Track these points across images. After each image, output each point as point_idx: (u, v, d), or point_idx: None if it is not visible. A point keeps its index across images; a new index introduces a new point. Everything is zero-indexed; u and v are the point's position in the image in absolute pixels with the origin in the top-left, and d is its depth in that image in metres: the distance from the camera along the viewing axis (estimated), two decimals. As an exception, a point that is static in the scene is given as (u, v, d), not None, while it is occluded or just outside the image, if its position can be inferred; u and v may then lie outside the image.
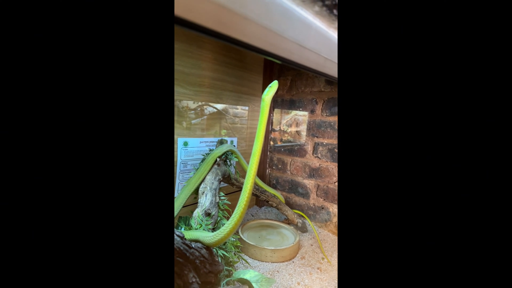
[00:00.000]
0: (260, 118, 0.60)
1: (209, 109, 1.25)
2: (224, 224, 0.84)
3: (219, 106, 1.31)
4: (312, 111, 1.38)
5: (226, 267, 0.63)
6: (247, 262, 0.77)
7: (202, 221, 0.76)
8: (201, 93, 1.18)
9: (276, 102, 1.53)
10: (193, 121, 1.20)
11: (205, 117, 1.24)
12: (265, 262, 1.09)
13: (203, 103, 1.22)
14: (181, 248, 0.48)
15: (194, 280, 0.49)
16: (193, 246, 0.52)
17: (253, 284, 0.56)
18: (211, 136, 1.25)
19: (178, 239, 0.49)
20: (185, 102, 1.15)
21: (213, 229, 0.79)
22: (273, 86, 0.58)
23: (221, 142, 1.05)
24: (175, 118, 1.12)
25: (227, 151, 1.00)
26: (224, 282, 0.56)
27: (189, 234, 0.62)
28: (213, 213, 0.80)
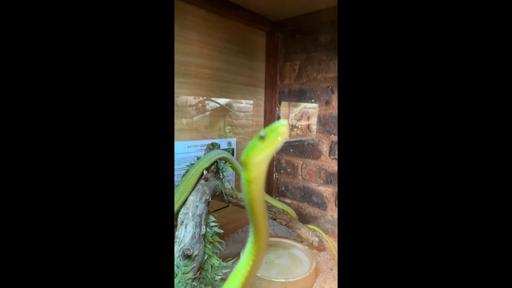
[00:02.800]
0: (247, 196, 0.35)
1: (211, 104, 1.04)
2: (213, 265, 0.60)
3: (222, 101, 1.07)
4: (327, 103, 1.12)
5: None
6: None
7: (179, 267, 0.52)
8: (188, 85, 0.93)
9: (283, 94, 1.27)
10: (195, 118, 0.97)
11: (207, 113, 1.02)
12: (274, 299, 0.85)
13: (204, 98, 0.99)
14: None
15: None
16: None
17: None
18: (214, 134, 1.02)
19: None
20: (184, 97, 0.93)
21: (196, 278, 0.55)
22: (273, 131, 0.31)
23: (211, 147, 0.81)
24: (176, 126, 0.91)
25: (219, 160, 0.76)
26: None
27: None
28: (196, 253, 0.56)
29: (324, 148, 1.14)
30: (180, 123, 0.94)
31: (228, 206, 0.84)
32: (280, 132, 0.31)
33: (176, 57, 0.89)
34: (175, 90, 0.90)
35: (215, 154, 0.74)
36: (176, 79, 0.89)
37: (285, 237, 1.11)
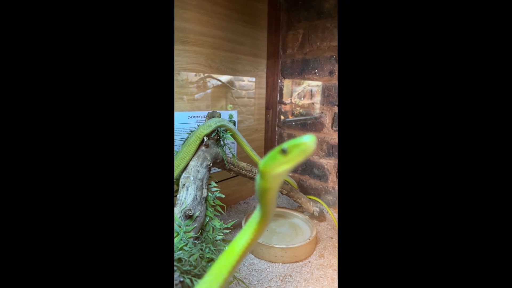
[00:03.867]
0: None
1: (212, 82, 1.02)
2: (215, 227, 0.62)
3: (224, 78, 1.05)
4: (330, 73, 1.09)
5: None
6: (244, 284, 0.56)
7: (180, 227, 0.54)
8: (187, 53, 0.91)
9: (285, 65, 1.23)
10: (196, 96, 0.96)
11: (208, 91, 1.00)
12: (275, 263, 0.88)
13: (205, 75, 0.97)
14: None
15: None
16: None
17: None
18: (207, 110, 1.00)
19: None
20: (184, 73, 0.91)
21: (198, 237, 0.56)
22: (297, 147, 0.27)
23: (212, 116, 0.80)
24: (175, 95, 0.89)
25: (219, 127, 0.75)
26: None
27: None
28: (197, 213, 0.57)
29: (327, 120, 1.12)
30: (181, 100, 0.93)
31: (232, 176, 0.85)
32: (304, 150, 0.27)
33: (178, 23, 0.86)
34: (174, 58, 0.87)
35: (215, 121, 0.74)
36: (175, 46, 0.87)
37: (286, 208, 1.13)
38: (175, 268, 0.40)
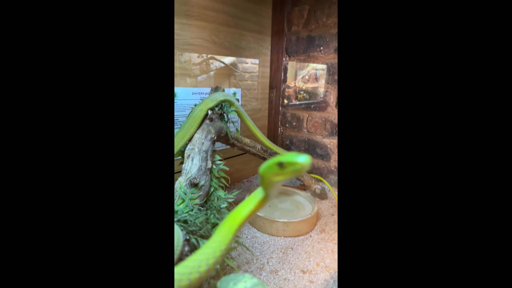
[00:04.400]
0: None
1: (216, 64, 1.00)
2: (220, 198, 0.63)
3: (227, 60, 1.03)
4: (336, 50, 1.07)
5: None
6: (248, 250, 0.58)
7: (186, 194, 0.55)
8: (190, 27, 0.89)
9: (290, 42, 1.21)
10: (199, 78, 0.95)
11: (211, 73, 0.99)
12: (277, 236, 0.91)
13: (208, 56, 0.96)
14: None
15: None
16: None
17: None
18: (209, 87, 1.00)
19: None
20: (187, 54, 0.90)
21: (203, 205, 0.58)
22: (292, 166, 0.30)
23: (215, 90, 0.80)
24: (178, 71, 0.89)
25: (223, 102, 0.75)
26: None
27: None
28: (202, 183, 0.58)
29: (332, 99, 1.11)
30: (183, 82, 0.92)
31: (237, 155, 0.85)
32: (298, 169, 0.30)
33: (177, -5, 0.84)
34: (176, 32, 0.86)
35: (219, 95, 0.73)
36: (177, 20, 0.85)
37: (289, 186, 1.14)
38: (181, 228, 0.42)
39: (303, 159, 0.29)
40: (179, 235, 0.39)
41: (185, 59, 0.91)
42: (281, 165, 0.30)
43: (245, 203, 0.41)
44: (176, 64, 0.88)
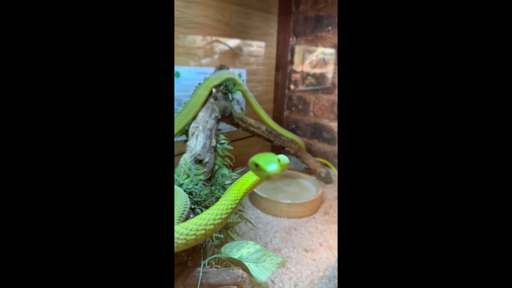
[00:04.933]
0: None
1: (220, 47, 0.98)
2: (224, 175, 0.63)
3: (232, 43, 1.01)
4: (345, 30, 1.03)
5: (216, 234, 0.44)
6: (251, 223, 0.59)
7: (191, 170, 0.56)
8: (195, 5, 0.87)
9: (297, 22, 1.17)
10: (202, 61, 0.94)
11: (216, 56, 0.97)
12: (281, 217, 0.92)
13: (212, 39, 0.93)
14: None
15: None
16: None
17: (251, 266, 0.36)
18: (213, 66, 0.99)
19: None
20: (191, 37, 0.88)
21: (208, 180, 0.58)
22: (260, 170, 0.31)
23: (220, 68, 0.79)
24: (182, 50, 0.88)
25: (227, 80, 0.74)
26: (206, 261, 0.36)
27: None
28: (207, 160, 0.58)
29: (339, 81, 1.09)
30: (187, 63, 0.91)
31: (241, 138, 0.85)
32: (263, 176, 0.31)
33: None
34: (181, 10, 0.84)
35: (224, 73, 0.72)
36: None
37: (294, 169, 1.14)
38: (188, 198, 0.42)
39: (271, 168, 0.29)
40: (186, 199, 0.40)
41: (189, 41, 0.89)
42: (256, 165, 0.31)
43: (249, 174, 0.41)
44: (179, 43, 0.87)
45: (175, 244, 0.30)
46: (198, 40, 0.92)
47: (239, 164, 1.25)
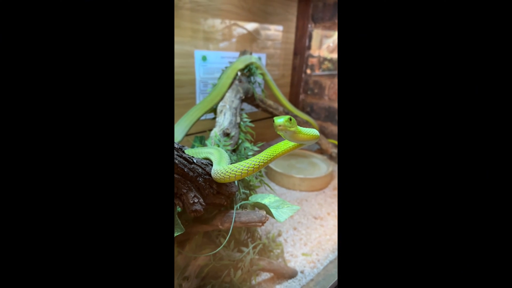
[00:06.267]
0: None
1: (238, 30, 1.04)
2: (247, 148, 0.74)
3: (250, 27, 1.07)
4: (363, 16, 1.07)
5: (243, 190, 0.55)
6: (269, 187, 0.69)
7: (220, 141, 0.66)
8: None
9: (316, 9, 1.21)
10: (220, 45, 1.01)
11: (233, 40, 1.04)
12: (293, 190, 1.02)
13: (232, 22, 1.00)
14: (177, 161, 0.39)
15: (196, 200, 0.41)
16: (194, 161, 0.42)
17: (272, 210, 0.47)
18: (236, 51, 1.06)
19: (175, 152, 0.39)
20: (211, 20, 0.94)
21: (233, 151, 0.69)
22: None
23: (243, 53, 0.87)
24: (201, 34, 0.95)
25: (250, 65, 0.83)
26: (238, 205, 0.48)
27: (196, 152, 0.53)
28: (233, 133, 0.69)
29: (354, 66, 1.14)
30: (207, 48, 0.98)
31: (259, 119, 0.93)
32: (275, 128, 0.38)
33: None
34: (209, -3, 0.91)
35: (248, 58, 0.81)
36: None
37: (307, 149, 1.23)
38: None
39: (278, 121, 0.37)
40: (227, 154, 0.50)
41: (209, 25, 0.96)
42: (290, 119, 0.38)
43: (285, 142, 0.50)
44: (202, 28, 0.94)
45: (227, 176, 0.42)
46: (217, 23, 0.98)
47: (259, 140, 1.36)
